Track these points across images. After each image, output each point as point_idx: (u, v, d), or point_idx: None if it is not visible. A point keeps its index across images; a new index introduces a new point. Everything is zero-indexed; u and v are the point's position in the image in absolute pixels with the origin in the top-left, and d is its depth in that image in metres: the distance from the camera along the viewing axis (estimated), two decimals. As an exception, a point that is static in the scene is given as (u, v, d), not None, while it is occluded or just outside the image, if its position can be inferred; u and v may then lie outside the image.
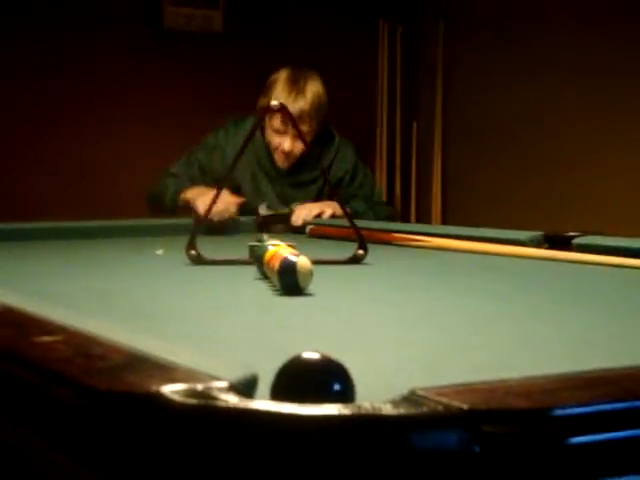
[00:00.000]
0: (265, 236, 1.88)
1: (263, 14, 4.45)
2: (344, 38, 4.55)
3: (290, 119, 2.41)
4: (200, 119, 4.29)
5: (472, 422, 0.61)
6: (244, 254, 1.88)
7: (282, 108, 2.03)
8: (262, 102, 3.07)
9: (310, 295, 1.46)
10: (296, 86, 3.03)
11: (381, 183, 4.60)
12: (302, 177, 3.20)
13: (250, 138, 2.04)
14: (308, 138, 2.95)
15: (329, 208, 2.97)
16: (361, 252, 1.94)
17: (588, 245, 1.98)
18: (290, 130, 3.01)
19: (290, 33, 4.50)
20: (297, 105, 2.98)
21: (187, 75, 4.31)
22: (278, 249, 1.60)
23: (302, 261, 1.48)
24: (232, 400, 0.62)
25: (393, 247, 2.31)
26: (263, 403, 0.61)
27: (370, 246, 1.95)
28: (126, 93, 4.20)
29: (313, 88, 3.06)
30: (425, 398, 0.64)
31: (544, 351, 1.04)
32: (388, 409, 0.61)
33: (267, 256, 1.60)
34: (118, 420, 0.66)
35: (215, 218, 2.69)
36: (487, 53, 4.38)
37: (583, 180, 4.00)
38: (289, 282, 1.47)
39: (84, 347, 0.81)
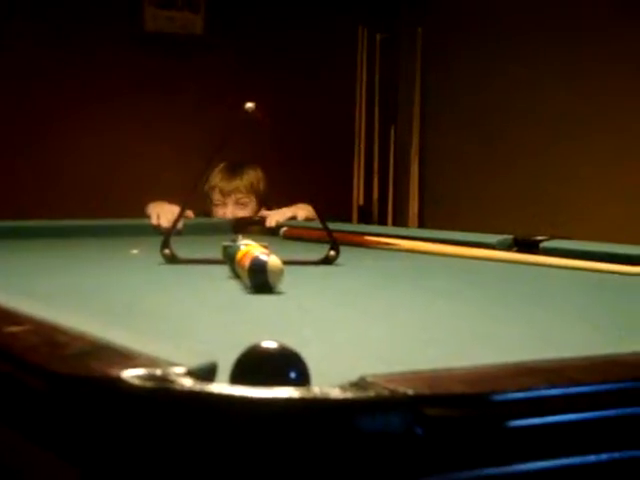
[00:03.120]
0: (239, 237, 1.91)
1: (243, 18, 4.48)
2: (324, 43, 4.58)
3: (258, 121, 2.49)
4: (181, 119, 4.33)
5: (416, 406, 0.64)
6: (218, 254, 1.90)
7: (255, 109, 2.05)
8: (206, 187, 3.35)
9: (280, 294, 1.49)
10: (233, 171, 3.37)
11: (359, 186, 4.65)
12: None
13: (219, 151, 2.07)
14: (249, 209, 3.32)
15: (302, 211, 3.05)
16: (333, 253, 1.97)
17: (554, 249, 2.03)
18: (229, 200, 3.32)
19: (270, 37, 4.53)
20: (233, 184, 3.33)
21: (168, 77, 4.33)
22: (250, 249, 1.63)
23: (272, 260, 1.51)
24: (188, 384, 0.65)
25: (365, 249, 2.34)
26: (216, 386, 0.64)
27: (342, 248, 1.98)
28: (107, 94, 4.21)
29: (249, 172, 3.39)
30: (373, 384, 0.67)
31: (496, 345, 1.08)
32: (336, 393, 0.64)
33: (239, 255, 1.63)
34: (81, 403, 0.69)
35: (164, 225, 2.84)
36: (465, 59, 4.44)
37: (559, 183, 4.05)
38: (259, 280, 1.50)
39: (50, 336, 0.84)
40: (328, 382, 0.70)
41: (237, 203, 3.32)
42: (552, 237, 2.13)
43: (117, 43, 4.23)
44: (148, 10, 4.26)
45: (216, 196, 3.35)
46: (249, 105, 2.08)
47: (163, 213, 2.91)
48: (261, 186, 3.40)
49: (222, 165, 3.33)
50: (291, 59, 4.55)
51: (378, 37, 4.64)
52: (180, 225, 2.47)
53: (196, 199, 2.93)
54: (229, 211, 3.33)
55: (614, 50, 3.86)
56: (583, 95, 3.96)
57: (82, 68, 4.17)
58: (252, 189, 3.36)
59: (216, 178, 3.32)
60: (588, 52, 3.94)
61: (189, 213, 2.98)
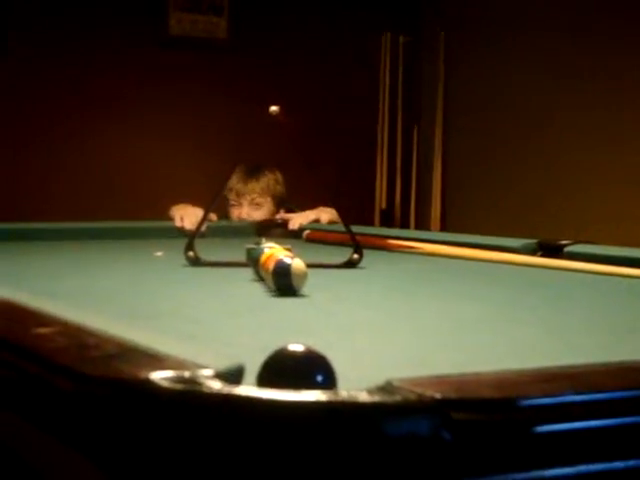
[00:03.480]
0: (263, 239, 1.92)
1: (267, 21, 4.49)
2: (347, 46, 4.59)
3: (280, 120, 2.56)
4: (205, 124, 4.35)
5: (443, 410, 0.65)
6: (241, 257, 1.91)
7: (279, 112, 2.06)
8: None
9: (304, 296, 1.50)
10: (249, 174, 3.41)
11: (381, 189, 4.64)
12: None
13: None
14: (265, 210, 3.36)
15: (325, 214, 3.06)
16: (356, 256, 1.97)
17: (578, 253, 2.02)
18: (244, 200, 3.36)
19: (293, 40, 4.54)
20: (248, 186, 3.36)
21: (192, 80, 4.35)
22: (274, 252, 1.63)
23: (296, 263, 1.51)
24: (216, 386, 0.65)
25: (388, 252, 2.34)
26: (245, 389, 0.64)
27: (365, 251, 1.99)
28: (131, 97, 4.24)
29: (266, 174, 3.43)
30: (400, 388, 0.67)
31: (520, 349, 1.08)
32: (364, 397, 0.65)
33: (263, 258, 1.63)
34: (110, 405, 0.70)
35: (187, 227, 2.87)
36: (487, 61, 4.43)
37: (584, 187, 4.04)
38: (283, 283, 1.50)
39: (79, 338, 0.85)
40: (354, 386, 0.70)
41: (252, 204, 3.36)
42: (576, 241, 2.12)
43: (142, 46, 4.26)
44: (173, 14, 4.28)
45: (232, 197, 3.39)
46: (273, 108, 2.09)
47: (187, 215, 2.92)
48: (278, 188, 3.43)
49: (240, 167, 3.36)
50: (314, 62, 4.55)
51: (401, 40, 4.64)
52: (204, 228, 2.48)
53: (219, 203, 2.95)
54: (244, 212, 3.37)
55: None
56: (610, 96, 3.93)
57: (107, 71, 4.20)
58: (268, 190, 3.39)
59: (233, 180, 3.35)
60: (612, 52, 3.92)
61: (212, 216, 2.99)
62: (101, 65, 4.19)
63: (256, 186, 3.39)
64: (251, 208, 3.38)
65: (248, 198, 3.36)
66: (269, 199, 3.41)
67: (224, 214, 3.34)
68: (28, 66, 4.06)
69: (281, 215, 3.27)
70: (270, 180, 3.43)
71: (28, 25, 4.06)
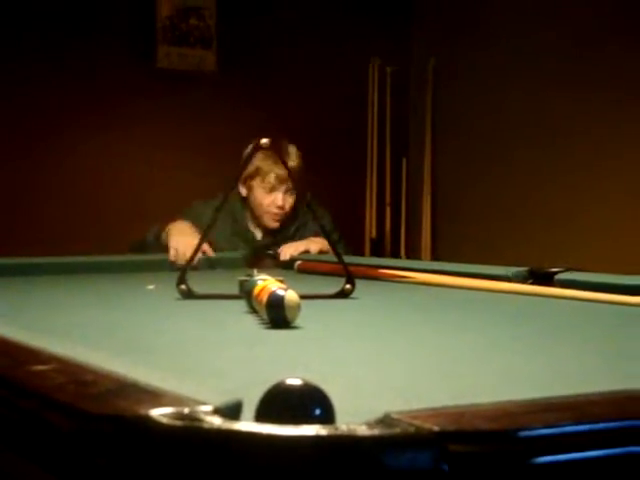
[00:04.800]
0: (255, 271, 1.92)
1: (255, 54, 4.52)
2: (335, 77, 4.62)
3: (279, 157, 2.58)
4: (194, 157, 4.36)
5: (442, 443, 0.65)
6: (234, 289, 1.91)
7: (271, 145, 2.08)
8: (247, 173, 3.24)
9: (298, 328, 1.50)
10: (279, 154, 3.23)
11: (371, 218, 4.66)
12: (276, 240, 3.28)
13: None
14: (292, 199, 3.26)
15: (315, 244, 3.06)
16: (349, 287, 1.98)
17: (570, 280, 2.03)
18: (281, 187, 3.24)
19: (281, 72, 4.57)
20: (281, 169, 3.16)
21: (180, 114, 4.37)
22: (267, 283, 1.64)
23: (290, 295, 1.52)
24: (216, 422, 0.66)
25: (381, 282, 2.35)
26: (245, 424, 0.65)
27: (357, 281, 1.99)
28: (119, 129, 4.25)
29: (294, 157, 3.28)
30: (399, 420, 0.68)
31: (515, 379, 1.09)
32: (363, 430, 0.65)
33: (256, 290, 1.64)
34: (109, 442, 0.70)
35: (180, 261, 2.78)
36: (476, 91, 4.46)
37: (575, 215, 4.06)
38: (277, 315, 1.51)
39: (76, 374, 0.85)
40: (351, 418, 0.71)
41: (287, 191, 3.26)
42: (567, 269, 2.14)
43: (130, 79, 4.27)
44: (160, 47, 4.30)
45: (262, 180, 3.25)
46: (264, 141, 2.11)
47: (181, 247, 2.90)
48: (301, 171, 3.29)
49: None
50: (303, 94, 4.58)
51: (389, 69, 4.67)
52: (197, 260, 2.48)
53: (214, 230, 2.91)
54: (280, 198, 3.25)
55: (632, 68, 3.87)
56: (598, 122, 3.96)
57: (94, 104, 4.21)
58: (297, 174, 3.21)
59: (259, 159, 3.17)
60: (601, 76, 3.95)
61: (208, 250, 2.97)
62: (87, 97, 4.20)
63: (290, 167, 3.09)
64: (287, 195, 3.26)
65: (285, 185, 3.22)
66: (295, 190, 3.28)
67: (238, 199, 3.25)
68: (15, 88, 4.07)
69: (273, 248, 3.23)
70: (299, 163, 3.28)
71: (8, 54, 4.07)
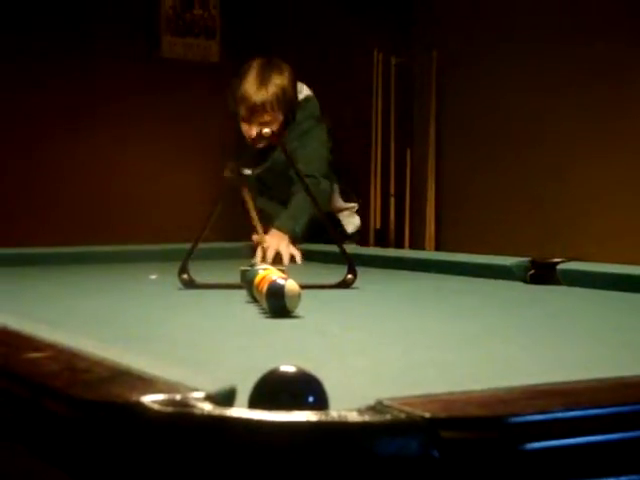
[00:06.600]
0: (257, 260, 1.93)
1: (259, 44, 4.51)
2: (340, 68, 4.61)
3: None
4: (196, 147, 4.36)
5: (432, 429, 0.65)
6: (236, 278, 1.92)
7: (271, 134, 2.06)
8: (234, 88, 3.20)
9: (297, 317, 1.50)
10: (261, 78, 3.17)
11: (376, 209, 4.65)
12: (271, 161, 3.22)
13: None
14: (274, 127, 3.06)
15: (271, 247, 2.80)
16: (350, 277, 1.98)
17: (571, 270, 2.03)
18: (255, 119, 3.13)
19: (286, 63, 4.56)
20: (259, 96, 3.11)
21: (184, 104, 4.37)
22: (267, 273, 1.64)
23: (290, 284, 1.52)
24: (207, 408, 0.66)
25: (383, 272, 2.35)
26: (236, 410, 0.65)
27: (360, 271, 1.99)
28: (124, 120, 4.25)
29: (277, 81, 3.17)
30: (390, 407, 0.68)
31: (510, 367, 1.09)
32: (354, 416, 0.65)
33: (257, 279, 1.64)
34: (101, 428, 0.70)
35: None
36: (480, 81, 4.45)
37: (578, 205, 4.05)
38: (276, 304, 1.51)
39: (70, 362, 0.85)
40: (345, 406, 0.71)
41: (261, 123, 3.08)
42: (569, 259, 2.13)
43: (134, 70, 4.27)
44: (165, 37, 4.30)
45: (242, 109, 3.17)
46: (266, 130, 2.11)
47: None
48: (287, 96, 3.19)
49: (257, 62, 3.22)
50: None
51: (393, 61, 4.66)
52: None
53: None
54: (253, 132, 3.08)
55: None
56: (601, 115, 3.96)
57: (98, 94, 4.21)
58: (278, 104, 3.14)
59: (248, 81, 3.14)
60: (606, 69, 3.94)
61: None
62: (91, 88, 4.20)
63: (267, 97, 3.11)
64: (264, 125, 3.02)
65: (258, 117, 3.11)
66: (280, 113, 3.17)
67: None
68: (15, 82, 4.07)
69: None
70: (279, 88, 3.16)
71: (9, 48, 4.07)
